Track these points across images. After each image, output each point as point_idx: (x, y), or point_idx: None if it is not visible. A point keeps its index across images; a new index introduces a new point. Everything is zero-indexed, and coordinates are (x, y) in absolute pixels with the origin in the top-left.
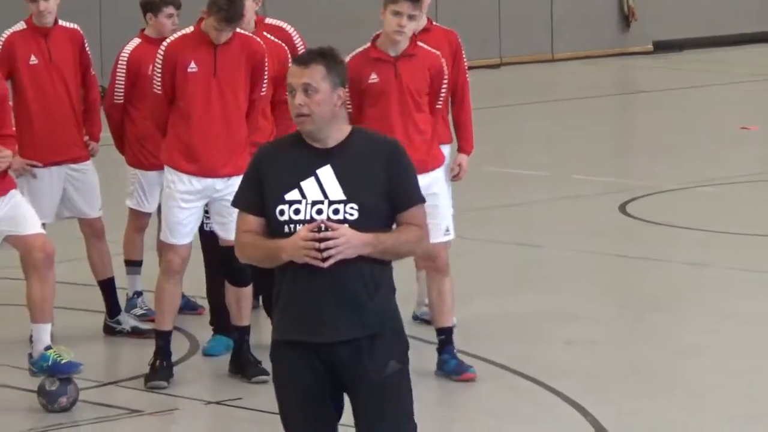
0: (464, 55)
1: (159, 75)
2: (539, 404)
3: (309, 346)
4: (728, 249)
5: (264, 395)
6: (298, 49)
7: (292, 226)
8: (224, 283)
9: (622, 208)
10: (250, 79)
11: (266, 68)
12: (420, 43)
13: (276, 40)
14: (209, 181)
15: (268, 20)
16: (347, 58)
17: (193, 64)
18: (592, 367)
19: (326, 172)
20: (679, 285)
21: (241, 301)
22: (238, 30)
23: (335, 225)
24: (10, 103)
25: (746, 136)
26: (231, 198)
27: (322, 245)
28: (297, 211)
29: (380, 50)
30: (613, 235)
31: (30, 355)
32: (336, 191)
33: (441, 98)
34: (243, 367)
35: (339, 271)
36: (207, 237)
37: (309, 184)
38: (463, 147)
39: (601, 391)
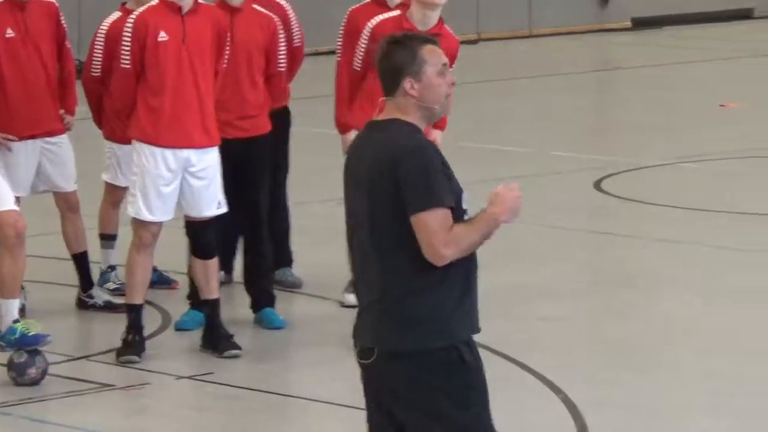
0: None
1: (128, 48)
2: (510, 381)
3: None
4: (704, 226)
5: (235, 370)
6: (292, 25)
7: (467, 215)
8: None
9: (597, 185)
10: (215, 49)
11: (228, 39)
12: (446, 25)
13: (264, 11)
14: (185, 154)
15: None
16: (374, 22)
17: (163, 33)
18: (565, 344)
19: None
20: (653, 262)
21: (209, 274)
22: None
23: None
24: None
25: (725, 113)
26: (204, 175)
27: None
28: (466, 200)
29: (411, 24)
30: (588, 212)
31: None
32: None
33: None
34: (215, 341)
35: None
36: None
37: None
38: (438, 123)
39: (574, 368)
